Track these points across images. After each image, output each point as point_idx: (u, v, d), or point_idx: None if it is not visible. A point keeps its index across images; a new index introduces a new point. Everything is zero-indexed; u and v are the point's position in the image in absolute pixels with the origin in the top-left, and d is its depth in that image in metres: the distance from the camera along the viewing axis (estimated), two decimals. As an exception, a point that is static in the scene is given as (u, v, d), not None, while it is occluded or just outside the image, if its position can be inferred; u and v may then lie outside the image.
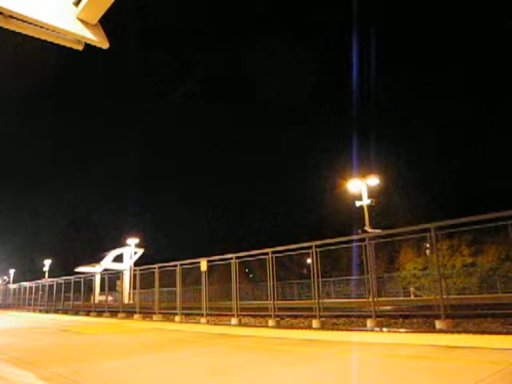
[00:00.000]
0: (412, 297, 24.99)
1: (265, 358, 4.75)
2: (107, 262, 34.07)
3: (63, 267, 50.86)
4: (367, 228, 19.54)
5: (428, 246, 9.10)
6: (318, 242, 9.80)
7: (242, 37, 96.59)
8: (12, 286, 35.09)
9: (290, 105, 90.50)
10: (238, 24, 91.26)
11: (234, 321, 11.24)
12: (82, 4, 3.22)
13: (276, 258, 10.63)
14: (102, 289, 22.66)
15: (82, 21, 3.32)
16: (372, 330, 8.13)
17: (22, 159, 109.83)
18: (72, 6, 3.30)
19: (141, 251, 35.51)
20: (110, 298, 22.28)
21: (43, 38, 3.38)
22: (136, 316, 15.38)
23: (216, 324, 11.78)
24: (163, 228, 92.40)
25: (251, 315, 13.73)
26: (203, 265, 12.48)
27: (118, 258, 35.03)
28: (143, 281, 16.64)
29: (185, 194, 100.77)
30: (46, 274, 44.64)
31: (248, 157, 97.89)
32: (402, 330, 8.99)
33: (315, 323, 9.49)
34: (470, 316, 9.83)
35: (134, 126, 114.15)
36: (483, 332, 6.95)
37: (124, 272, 26.98)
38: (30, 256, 66.83)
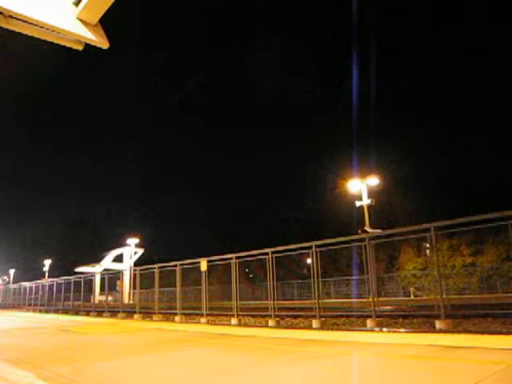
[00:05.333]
0: (412, 297, 24.98)
1: (265, 358, 4.75)
2: (107, 262, 34.09)
3: (63, 267, 50.86)
4: (367, 228, 19.53)
5: (428, 245, 9.10)
6: (318, 242, 9.81)
7: (243, 36, 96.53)
8: (12, 286, 35.10)
9: (289, 105, 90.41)
10: (239, 24, 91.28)
11: (233, 321, 11.24)
12: (82, 4, 3.22)
13: (276, 257, 10.63)
14: (102, 289, 22.65)
15: (82, 21, 3.32)
16: (372, 330, 8.13)
17: (22, 159, 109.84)
18: (72, 6, 3.30)
19: (141, 251, 35.52)
20: (110, 298, 22.29)
21: (43, 37, 3.38)
22: (136, 316, 15.38)
23: (216, 324, 11.79)
24: (163, 228, 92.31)
25: (251, 315, 13.74)
26: (203, 265, 12.48)
27: (118, 258, 35.05)
28: (143, 281, 16.64)
29: (185, 193, 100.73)
30: (46, 274, 44.61)
31: (248, 157, 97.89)
32: (401, 329, 8.99)
33: (315, 323, 9.49)
34: (469, 316, 9.84)
35: (134, 125, 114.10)
36: (483, 332, 6.95)
37: (124, 272, 26.99)
38: (30, 256, 66.81)
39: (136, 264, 31.71)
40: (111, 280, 22.46)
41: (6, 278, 56.63)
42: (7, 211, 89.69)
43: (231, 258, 11.64)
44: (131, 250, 34.67)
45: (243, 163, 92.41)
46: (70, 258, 58.98)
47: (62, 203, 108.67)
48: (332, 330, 9.09)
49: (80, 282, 20.74)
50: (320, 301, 9.66)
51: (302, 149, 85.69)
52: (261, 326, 10.90)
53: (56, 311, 21.90)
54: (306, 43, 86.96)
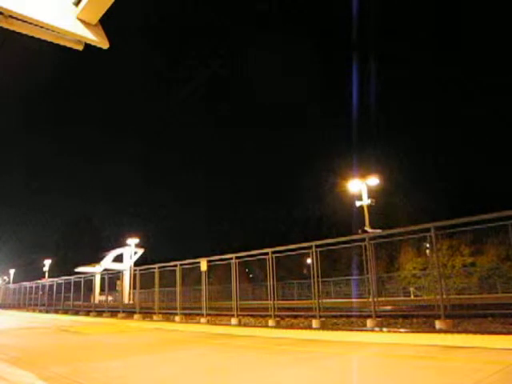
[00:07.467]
0: (412, 297, 24.98)
1: (265, 358, 4.75)
2: (107, 262, 34.10)
3: (63, 267, 50.88)
4: (367, 228, 19.52)
5: (428, 245, 9.10)
6: (318, 242, 9.80)
7: (243, 38, 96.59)
8: (12, 286, 35.08)
9: (290, 105, 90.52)
10: (239, 25, 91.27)
11: (233, 321, 11.24)
12: (82, 4, 3.22)
13: (276, 257, 10.63)
14: (102, 289, 22.65)
15: (82, 21, 3.32)
16: (372, 330, 8.13)
17: (23, 159, 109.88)
18: (72, 6, 3.30)
19: (141, 251, 35.53)
20: (110, 298, 22.29)
21: (43, 37, 3.38)
22: (136, 316, 15.37)
23: (216, 324, 11.78)
24: (163, 228, 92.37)
25: (251, 315, 13.73)
26: (203, 265, 12.47)
27: (118, 258, 35.06)
28: (143, 281, 16.64)
29: (185, 194, 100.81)
30: (46, 274, 44.63)
31: (248, 157, 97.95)
32: (402, 330, 8.99)
33: (315, 323, 9.48)
34: (470, 316, 9.83)
35: (134, 125, 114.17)
36: (483, 332, 6.95)
37: (124, 272, 26.96)
38: (30, 256, 66.85)
39: (136, 264, 31.71)
40: (111, 280, 22.47)
41: (6, 277, 56.66)
42: (7, 211, 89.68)
43: (231, 258, 11.63)
44: (131, 249, 34.68)
45: (243, 163, 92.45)
46: (70, 257, 59.05)
47: (62, 203, 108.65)
48: (332, 330, 9.08)
49: (80, 282, 20.74)
50: (320, 301, 9.66)
51: (302, 149, 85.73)
52: (261, 326, 10.90)
53: (56, 311, 21.88)
54: (308, 45, 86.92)
